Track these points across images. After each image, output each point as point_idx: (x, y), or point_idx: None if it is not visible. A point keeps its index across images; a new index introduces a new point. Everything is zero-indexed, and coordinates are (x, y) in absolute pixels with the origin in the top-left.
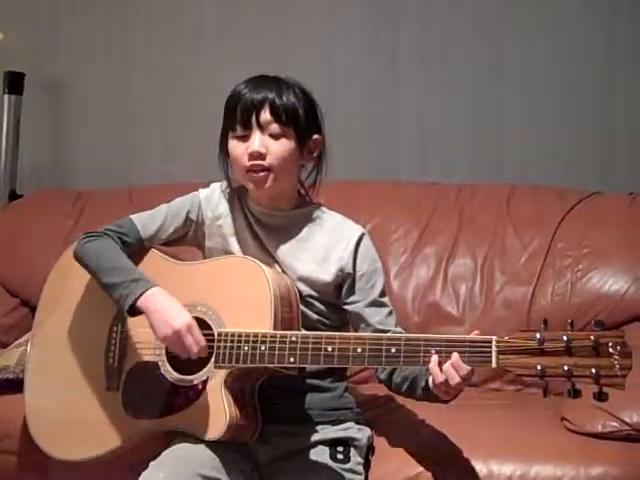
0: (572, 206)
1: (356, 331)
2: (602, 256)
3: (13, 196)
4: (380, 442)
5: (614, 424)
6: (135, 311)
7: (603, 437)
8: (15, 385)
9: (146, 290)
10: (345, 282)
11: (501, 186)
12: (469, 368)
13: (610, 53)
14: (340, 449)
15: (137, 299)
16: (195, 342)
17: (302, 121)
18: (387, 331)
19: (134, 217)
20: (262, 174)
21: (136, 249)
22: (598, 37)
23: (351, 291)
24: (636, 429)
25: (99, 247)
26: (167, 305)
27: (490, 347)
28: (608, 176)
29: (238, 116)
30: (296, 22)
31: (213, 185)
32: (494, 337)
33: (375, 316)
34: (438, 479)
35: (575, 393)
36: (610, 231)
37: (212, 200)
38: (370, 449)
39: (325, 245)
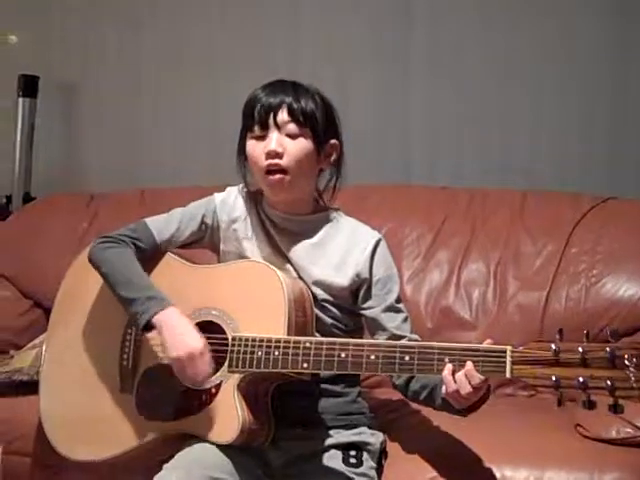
0: (586, 211)
1: (372, 336)
2: (616, 262)
3: (27, 199)
4: (393, 447)
5: (628, 430)
6: (150, 328)
7: (617, 443)
8: (29, 387)
9: (162, 309)
10: (361, 287)
11: (514, 191)
12: (482, 377)
13: (621, 56)
14: (353, 453)
15: (152, 317)
16: (204, 367)
17: (320, 124)
18: (403, 337)
19: (149, 221)
20: (279, 176)
21: (150, 254)
22: (609, 41)
23: (367, 296)
24: None
25: (114, 256)
26: (182, 327)
27: (505, 357)
28: (620, 181)
29: (256, 117)
30: (306, 28)
31: (229, 189)
32: (509, 347)
33: (391, 321)
34: None
35: (590, 404)
36: (624, 237)
37: (228, 204)
38: (383, 454)
39: (342, 250)
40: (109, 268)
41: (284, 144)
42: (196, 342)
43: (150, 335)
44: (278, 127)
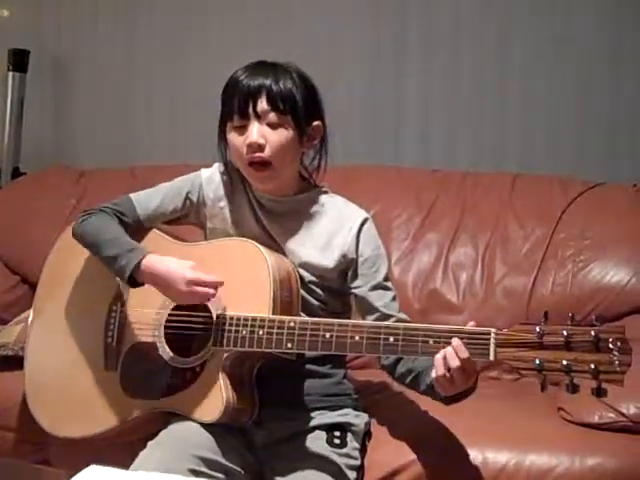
0: (575, 196)
1: (362, 316)
2: (604, 247)
3: (16, 174)
4: (377, 428)
5: (611, 415)
6: (135, 282)
7: (599, 428)
8: (14, 362)
9: (141, 259)
10: (349, 268)
11: (504, 174)
12: (468, 354)
13: (616, 41)
14: (337, 434)
15: (135, 268)
16: (210, 285)
17: (300, 108)
18: (392, 316)
19: (133, 196)
20: (264, 173)
21: (135, 229)
22: (604, 26)
23: (355, 275)
24: (633, 420)
25: (95, 223)
26: (165, 266)
27: (489, 339)
28: (611, 167)
29: (235, 105)
30: (300, 7)
31: (216, 165)
32: (493, 329)
33: (379, 300)
34: (434, 466)
35: (574, 388)
36: (613, 222)
37: (214, 180)
38: (367, 435)
39: (328, 231)
40: (91, 235)
41: (265, 135)
42: (182, 273)
43: (134, 298)
44: (258, 117)
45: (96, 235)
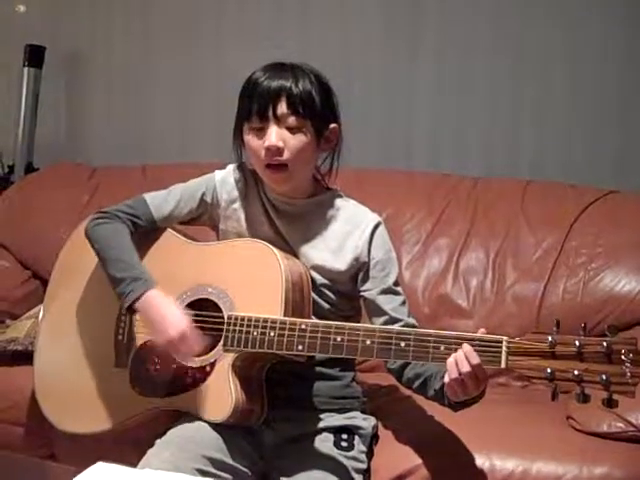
0: (588, 204)
1: (370, 319)
2: (616, 256)
3: (30, 169)
4: (385, 432)
5: (619, 425)
6: (134, 310)
7: (608, 437)
8: (24, 357)
9: (145, 291)
10: (360, 271)
11: (517, 180)
12: (479, 360)
13: (629, 50)
14: (344, 437)
15: (136, 299)
16: (189, 347)
17: (319, 111)
18: (400, 320)
19: (148, 197)
20: (281, 175)
21: (149, 230)
22: (616, 33)
23: (365, 278)
24: None
25: (107, 232)
26: (165, 309)
27: (500, 347)
28: (625, 175)
29: (254, 107)
30: (315, 7)
31: (229, 167)
32: (505, 337)
33: (389, 304)
34: (440, 471)
35: (584, 398)
36: (625, 231)
37: (228, 182)
38: (374, 438)
39: (341, 234)
40: (101, 245)
41: (284, 139)
42: (178, 324)
43: (136, 316)
44: (278, 120)
45: (106, 247)
